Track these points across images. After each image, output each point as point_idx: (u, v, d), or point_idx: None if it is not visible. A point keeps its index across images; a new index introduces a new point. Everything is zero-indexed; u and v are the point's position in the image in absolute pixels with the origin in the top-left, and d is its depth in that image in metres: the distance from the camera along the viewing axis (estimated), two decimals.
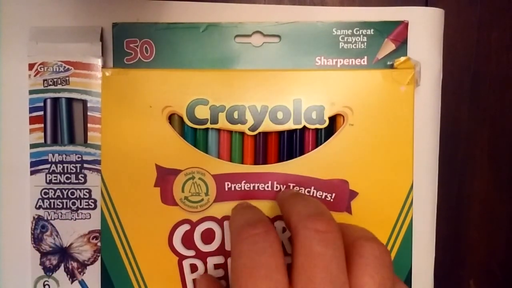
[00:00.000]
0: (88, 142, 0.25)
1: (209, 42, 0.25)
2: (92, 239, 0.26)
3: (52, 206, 0.25)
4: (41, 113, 0.25)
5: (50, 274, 0.26)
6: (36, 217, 0.26)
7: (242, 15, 0.26)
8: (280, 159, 0.25)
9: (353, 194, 0.24)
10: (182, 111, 0.24)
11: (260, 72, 0.25)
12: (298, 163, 0.24)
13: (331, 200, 0.24)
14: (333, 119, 0.25)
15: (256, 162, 0.25)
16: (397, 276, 0.21)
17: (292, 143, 0.25)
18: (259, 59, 0.26)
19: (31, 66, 0.25)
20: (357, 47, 0.25)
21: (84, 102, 0.26)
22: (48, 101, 0.25)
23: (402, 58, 0.25)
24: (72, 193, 0.26)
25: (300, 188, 0.24)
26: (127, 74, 0.25)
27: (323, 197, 0.24)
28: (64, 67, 0.25)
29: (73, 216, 0.26)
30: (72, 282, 0.26)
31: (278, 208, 0.23)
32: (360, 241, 0.18)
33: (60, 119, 0.26)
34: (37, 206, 0.25)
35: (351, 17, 0.26)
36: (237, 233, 0.19)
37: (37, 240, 0.26)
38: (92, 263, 0.26)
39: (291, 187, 0.24)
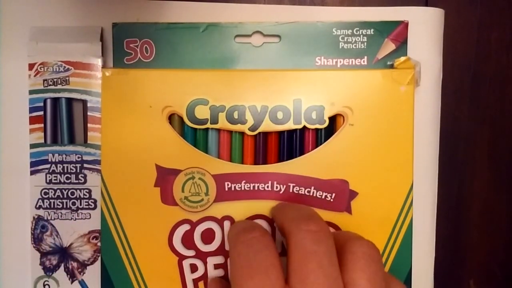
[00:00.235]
0: (88, 142, 0.25)
1: (209, 42, 0.25)
2: (92, 239, 0.26)
3: (52, 206, 0.25)
4: (41, 113, 0.25)
5: (50, 274, 0.26)
6: (36, 217, 0.26)
7: (242, 15, 0.26)
8: (280, 159, 0.25)
9: (353, 194, 0.24)
10: (182, 111, 0.24)
11: (260, 72, 0.25)
12: (298, 163, 0.24)
13: (331, 200, 0.24)
14: (333, 119, 0.25)
15: (256, 162, 0.25)
16: (393, 276, 0.21)
17: (292, 143, 0.25)
18: (259, 59, 0.26)
19: (31, 66, 0.25)
20: (357, 47, 0.25)
21: (84, 102, 0.26)
22: (48, 101, 0.25)
23: (402, 58, 0.25)
24: (72, 193, 0.26)
25: (300, 188, 0.24)
26: (127, 74, 0.25)
27: (323, 197, 0.24)
28: (64, 67, 0.25)
29: (73, 216, 0.26)
30: (72, 282, 0.26)
31: None
32: (350, 241, 0.20)
33: (60, 119, 0.26)
34: (37, 206, 0.25)
35: (351, 17, 0.26)
36: (235, 238, 0.20)
37: (37, 240, 0.26)
38: (92, 263, 0.26)
39: (291, 187, 0.24)
